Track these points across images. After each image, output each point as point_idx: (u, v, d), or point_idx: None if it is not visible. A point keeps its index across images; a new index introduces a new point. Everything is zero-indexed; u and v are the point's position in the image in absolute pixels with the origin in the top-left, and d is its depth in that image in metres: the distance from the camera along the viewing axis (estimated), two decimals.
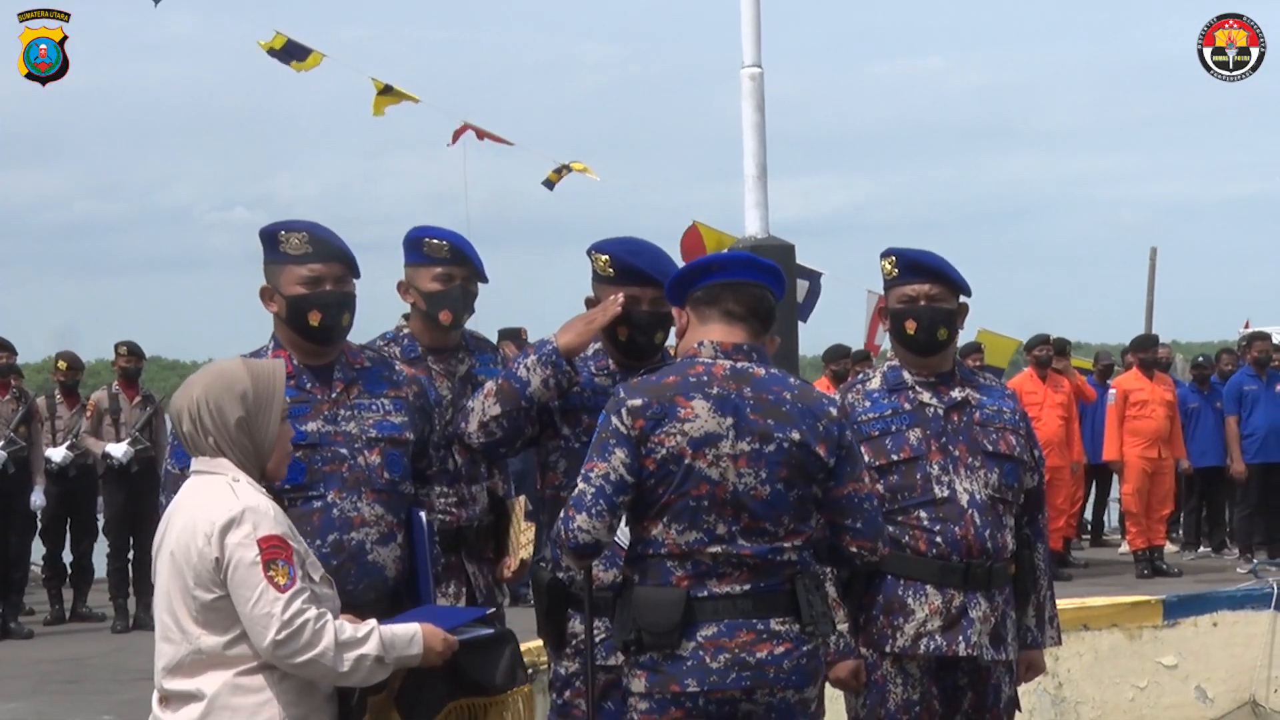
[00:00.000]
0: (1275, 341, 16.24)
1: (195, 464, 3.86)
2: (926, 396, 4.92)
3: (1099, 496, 16.77)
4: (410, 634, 3.85)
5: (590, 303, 4.81)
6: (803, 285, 13.93)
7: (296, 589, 3.69)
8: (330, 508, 4.37)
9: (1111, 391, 14.63)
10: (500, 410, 4.67)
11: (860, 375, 5.27)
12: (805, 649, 4.17)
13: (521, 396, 4.65)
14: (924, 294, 4.91)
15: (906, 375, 4.96)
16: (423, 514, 4.51)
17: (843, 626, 4.79)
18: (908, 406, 4.92)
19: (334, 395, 4.48)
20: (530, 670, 4.55)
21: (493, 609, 4.51)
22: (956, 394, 4.95)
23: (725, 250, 9.23)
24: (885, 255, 5.00)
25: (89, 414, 12.46)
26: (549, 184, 14.50)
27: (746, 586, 4.12)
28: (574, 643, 4.68)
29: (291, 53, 12.97)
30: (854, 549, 4.29)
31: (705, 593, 4.11)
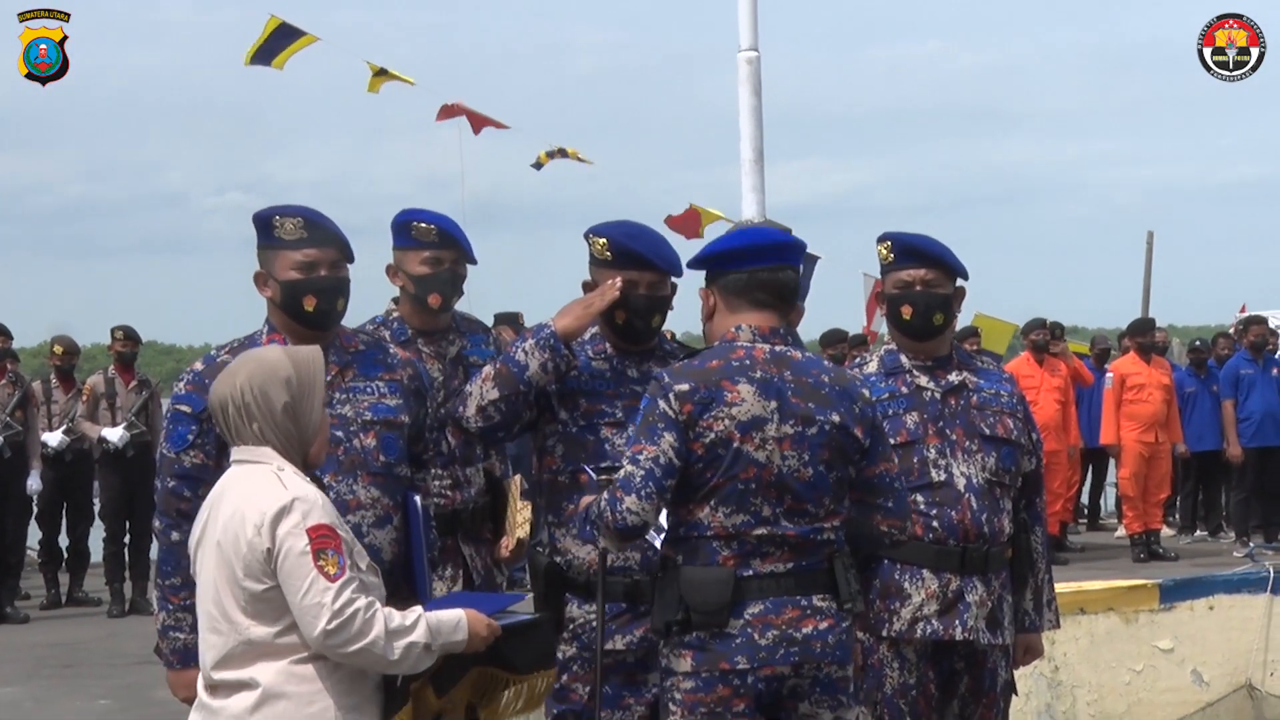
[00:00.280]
0: (1272, 325, 16.24)
1: (236, 453, 3.85)
2: (924, 380, 4.92)
3: (1095, 480, 16.78)
4: (455, 620, 3.85)
5: (587, 286, 4.80)
6: None
7: (346, 578, 3.69)
8: (326, 491, 4.36)
9: (1108, 375, 14.64)
10: (498, 394, 4.66)
11: (857, 359, 5.27)
12: (844, 625, 4.26)
13: (520, 380, 4.64)
14: (920, 279, 4.91)
15: (904, 359, 4.96)
16: (418, 498, 4.50)
17: None
18: (905, 390, 4.92)
19: (329, 379, 4.47)
20: None
21: (529, 594, 4.50)
22: (954, 378, 4.95)
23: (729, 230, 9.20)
24: (881, 240, 4.99)
25: (85, 398, 12.45)
26: (537, 165, 14.46)
27: (789, 565, 4.19)
28: (571, 626, 4.68)
29: (286, 35, 12.92)
30: (885, 527, 4.39)
31: (750, 572, 4.17)
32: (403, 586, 4.37)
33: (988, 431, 4.91)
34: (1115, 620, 7.68)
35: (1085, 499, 16.85)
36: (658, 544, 4.33)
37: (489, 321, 7.30)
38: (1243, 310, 19.50)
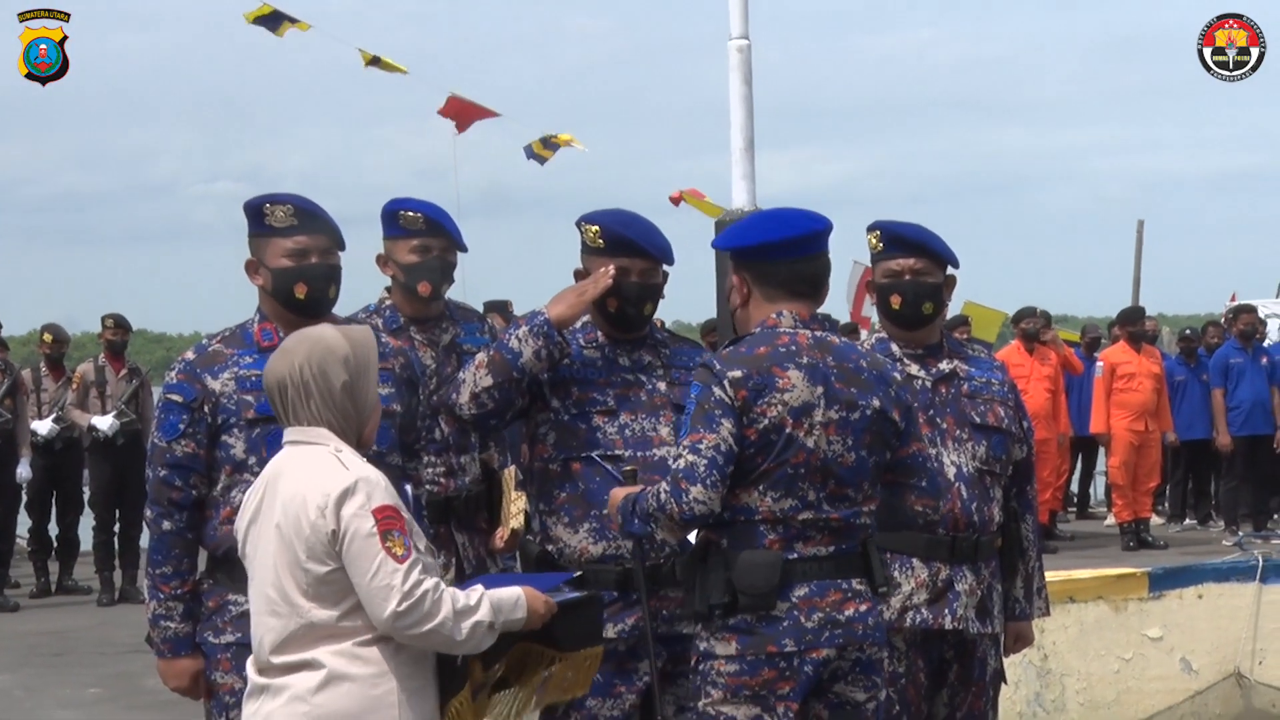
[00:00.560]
0: (1261, 314, 16.29)
1: (291, 434, 3.81)
2: (914, 369, 4.92)
3: (1085, 469, 16.82)
4: (514, 598, 3.83)
5: (579, 275, 4.79)
6: None
7: (413, 559, 3.67)
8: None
9: (1099, 364, 14.66)
10: (492, 382, 4.66)
11: None
12: (879, 608, 4.31)
13: (513, 368, 4.64)
14: (909, 268, 4.90)
15: (894, 347, 4.95)
16: (409, 487, 4.50)
17: None
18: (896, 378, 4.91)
19: None
20: None
21: (579, 573, 4.50)
22: (944, 366, 4.95)
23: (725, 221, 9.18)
24: (871, 229, 4.99)
25: (75, 386, 12.43)
26: (540, 159, 14.40)
27: (830, 549, 4.22)
28: None
29: (278, 21, 12.90)
30: (919, 507, 4.47)
31: (795, 555, 4.19)
32: None
33: (978, 420, 4.91)
34: (1104, 609, 7.68)
35: (1075, 487, 16.88)
36: (692, 536, 4.34)
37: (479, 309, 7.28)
38: (1232, 299, 19.55)
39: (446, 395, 4.84)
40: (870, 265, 5.11)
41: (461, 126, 13.79)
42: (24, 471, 12.33)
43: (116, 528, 12.57)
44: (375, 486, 3.70)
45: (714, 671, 4.20)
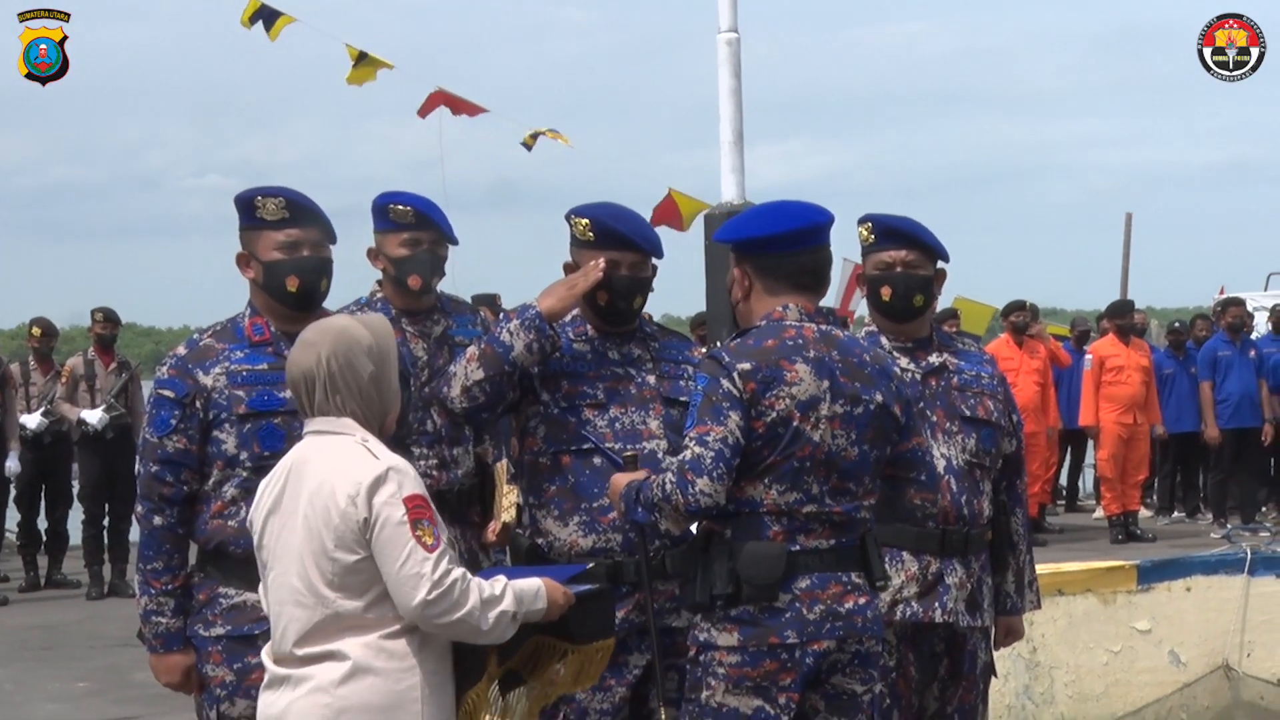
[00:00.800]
0: (1249, 308, 16.30)
1: (315, 424, 3.79)
2: (904, 362, 4.93)
3: (1074, 462, 16.84)
4: (535, 589, 3.83)
5: (569, 268, 4.80)
6: None
7: (442, 549, 3.66)
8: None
9: (1088, 357, 14.67)
10: (483, 375, 4.66)
11: None
12: (876, 601, 4.31)
13: (505, 361, 4.64)
14: (900, 260, 4.91)
15: (884, 340, 4.96)
16: None
17: None
18: None
19: None
20: None
21: (591, 564, 4.51)
22: (934, 359, 4.96)
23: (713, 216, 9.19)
24: (862, 221, 5.00)
25: (64, 380, 12.42)
26: (526, 146, 14.43)
27: (831, 542, 4.22)
28: None
29: (270, 19, 12.88)
30: (918, 500, 4.47)
31: (798, 546, 4.19)
32: None
33: (968, 413, 4.92)
34: (1093, 601, 7.70)
35: (1064, 480, 16.90)
36: (693, 527, 4.34)
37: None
38: (1221, 292, 19.55)
39: (438, 388, 4.84)
40: (860, 258, 5.11)
41: (453, 105, 13.77)
42: (13, 465, 12.32)
43: (106, 522, 12.56)
44: (405, 475, 3.70)
45: (715, 662, 4.20)
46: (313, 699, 3.68)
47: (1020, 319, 14.23)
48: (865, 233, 4.97)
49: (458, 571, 3.67)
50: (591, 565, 4.47)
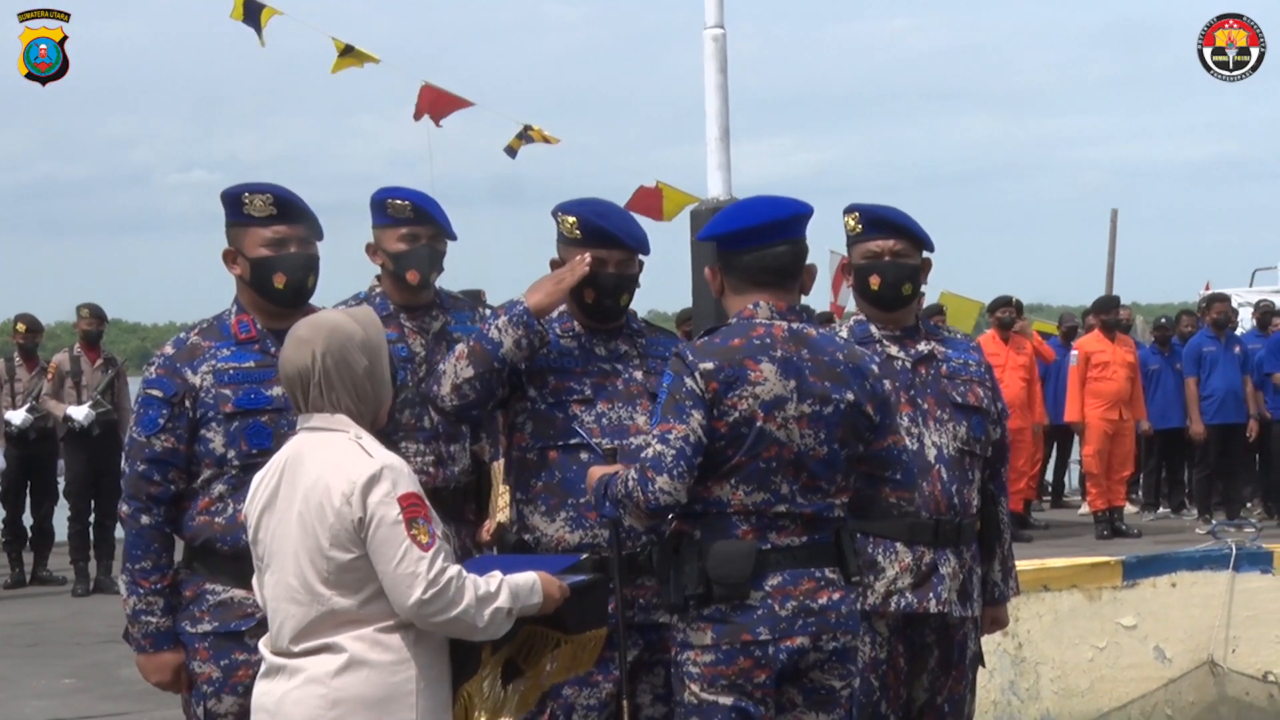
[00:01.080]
0: (1234, 304, 16.33)
1: (307, 420, 3.79)
2: (894, 350, 4.94)
3: (1059, 458, 16.87)
4: (530, 583, 3.83)
5: (555, 264, 4.80)
6: None
7: (438, 547, 3.66)
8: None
9: (1073, 353, 14.69)
10: (473, 372, 4.67)
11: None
12: (852, 596, 4.29)
13: (494, 358, 4.65)
14: (888, 249, 4.92)
15: (873, 329, 4.97)
16: None
17: None
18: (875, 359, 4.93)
19: None
20: None
21: (585, 555, 4.51)
22: (923, 347, 4.97)
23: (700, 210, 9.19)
24: (849, 211, 5.00)
25: (50, 376, 12.39)
26: (510, 151, 14.42)
27: (803, 539, 4.22)
28: None
29: (257, 14, 12.86)
30: (893, 499, 4.44)
31: (769, 544, 4.19)
32: None
33: (959, 400, 4.93)
34: (1078, 597, 7.71)
35: (1049, 476, 16.93)
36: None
37: None
38: (1206, 288, 19.60)
39: (428, 386, 4.84)
40: (846, 248, 5.11)
41: (438, 118, 13.76)
42: None
43: (91, 518, 12.53)
44: (400, 474, 3.70)
45: (690, 663, 4.21)
46: (308, 690, 3.69)
47: (1006, 315, 14.25)
48: (852, 222, 4.98)
49: (453, 569, 3.67)
50: (585, 556, 4.48)
